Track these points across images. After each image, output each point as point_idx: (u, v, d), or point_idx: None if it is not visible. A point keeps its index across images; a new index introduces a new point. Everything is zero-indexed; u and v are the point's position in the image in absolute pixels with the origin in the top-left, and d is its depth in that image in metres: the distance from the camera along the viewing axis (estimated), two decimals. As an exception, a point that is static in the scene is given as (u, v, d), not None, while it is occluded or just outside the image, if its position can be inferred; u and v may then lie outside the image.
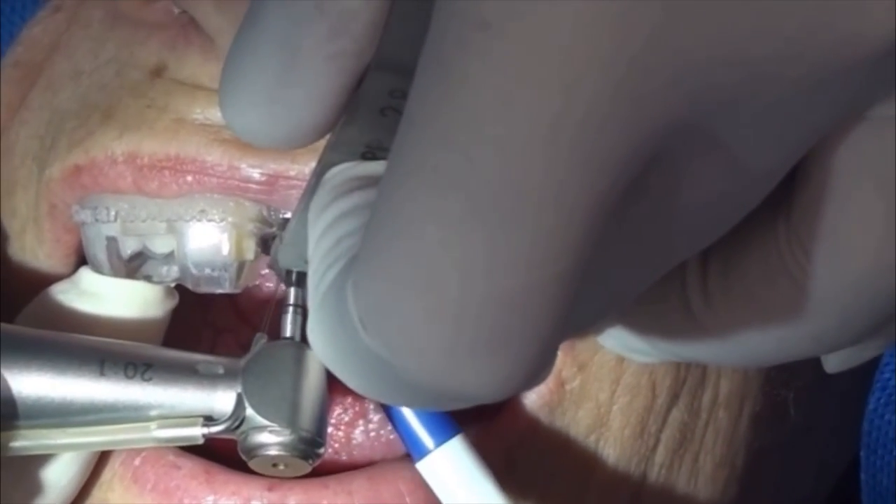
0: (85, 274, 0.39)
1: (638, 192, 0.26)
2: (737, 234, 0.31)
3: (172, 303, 0.39)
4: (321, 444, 0.35)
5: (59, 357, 0.34)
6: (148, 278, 0.39)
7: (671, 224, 0.28)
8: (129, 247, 0.39)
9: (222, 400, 0.35)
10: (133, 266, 0.39)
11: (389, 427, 0.40)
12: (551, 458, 0.39)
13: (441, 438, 0.36)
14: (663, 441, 0.40)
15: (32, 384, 0.34)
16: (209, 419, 0.35)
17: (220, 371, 0.35)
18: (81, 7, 0.42)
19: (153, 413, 0.35)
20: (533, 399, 0.39)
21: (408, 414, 0.36)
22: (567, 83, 0.24)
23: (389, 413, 0.37)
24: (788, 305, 0.32)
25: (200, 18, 0.37)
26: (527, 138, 0.24)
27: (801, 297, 0.31)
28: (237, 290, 0.39)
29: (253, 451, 0.35)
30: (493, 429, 0.39)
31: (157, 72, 0.39)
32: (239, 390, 0.35)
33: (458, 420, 0.37)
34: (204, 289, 0.39)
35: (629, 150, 0.25)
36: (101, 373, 0.34)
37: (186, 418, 0.35)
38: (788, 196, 0.31)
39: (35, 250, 0.41)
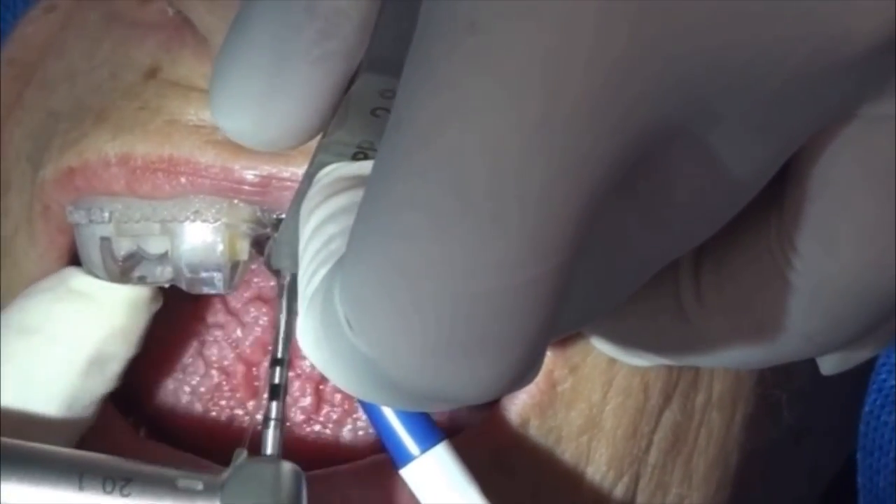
0: (73, 273, 0.39)
1: (625, 193, 0.26)
2: (729, 233, 0.31)
3: (158, 304, 0.39)
4: None
5: (38, 469, 0.34)
6: (142, 279, 0.39)
7: (660, 224, 0.28)
8: (123, 247, 0.39)
9: None
10: (127, 267, 0.39)
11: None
12: (542, 458, 0.39)
13: (426, 445, 0.36)
14: (656, 442, 0.40)
15: (9, 495, 0.34)
16: None
17: (200, 487, 0.35)
18: (77, 8, 0.42)
19: None
20: (524, 400, 0.39)
21: (392, 420, 0.36)
22: (552, 85, 0.24)
23: (373, 418, 0.37)
24: (780, 304, 0.32)
25: (194, 18, 0.37)
26: (512, 141, 0.24)
27: (792, 296, 0.31)
28: (231, 291, 0.39)
29: None
30: (484, 429, 0.39)
31: (152, 73, 0.39)
32: None
33: (448, 420, 0.37)
34: (197, 290, 0.39)
35: (615, 152, 0.25)
36: (80, 487, 0.34)
37: None
38: (780, 194, 0.31)
39: (27, 251, 0.41)
